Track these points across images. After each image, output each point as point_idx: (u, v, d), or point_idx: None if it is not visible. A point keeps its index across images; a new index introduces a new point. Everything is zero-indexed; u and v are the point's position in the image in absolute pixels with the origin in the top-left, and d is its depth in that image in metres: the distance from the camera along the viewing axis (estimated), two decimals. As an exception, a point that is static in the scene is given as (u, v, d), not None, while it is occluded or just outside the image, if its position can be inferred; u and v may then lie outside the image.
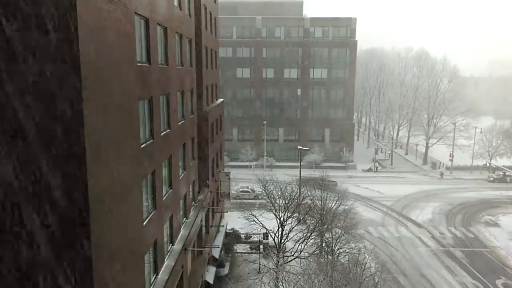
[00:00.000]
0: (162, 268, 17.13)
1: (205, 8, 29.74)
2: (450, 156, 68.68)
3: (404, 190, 57.07)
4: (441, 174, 64.90)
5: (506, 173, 62.06)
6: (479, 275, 33.97)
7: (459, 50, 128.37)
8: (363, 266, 23.86)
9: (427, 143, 73.49)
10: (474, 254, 38.23)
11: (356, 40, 69.95)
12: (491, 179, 62.58)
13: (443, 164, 69.01)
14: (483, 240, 41.29)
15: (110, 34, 11.03)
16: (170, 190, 18.65)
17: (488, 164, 67.26)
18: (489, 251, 38.90)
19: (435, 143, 72.75)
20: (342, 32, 70.21)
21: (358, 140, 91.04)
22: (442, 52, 79.96)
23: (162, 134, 17.19)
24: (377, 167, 69.40)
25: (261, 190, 35.78)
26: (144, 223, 14.59)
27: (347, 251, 29.24)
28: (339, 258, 28.65)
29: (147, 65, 14.96)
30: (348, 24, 69.76)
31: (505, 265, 36.10)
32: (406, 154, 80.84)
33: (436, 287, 32.31)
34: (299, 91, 71.29)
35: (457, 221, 46.48)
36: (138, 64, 13.87)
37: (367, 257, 27.59)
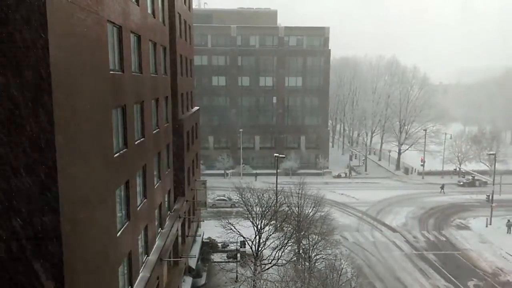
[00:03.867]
0: (137, 280, 16.76)
1: (180, 16, 29.67)
2: (421, 162, 70.50)
3: (378, 195, 58.11)
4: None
5: (475, 178, 64.11)
6: (451, 278, 34.81)
7: (429, 58, 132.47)
8: (339, 272, 24.11)
9: (399, 149, 75.23)
10: (447, 257, 39.19)
11: (330, 49, 71.25)
12: (461, 183, 64.53)
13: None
14: (455, 243, 42.41)
15: (81, 42, 10.85)
16: (145, 200, 18.34)
17: (458, 169, 69.36)
18: (461, 253, 39.96)
19: (407, 149, 74.56)
20: (316, 41, 71.42)
21: (333, 147, 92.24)
22: (412, 61, 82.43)
23: (136, 143, 16.93)
24: (351, 173, 70.50)
25: (238, 198, 35.64)
26: (118, 234, 14.28)
27: (324, 257, 29.45)
28: (316, 264, 28.84)
29: (120, 73, 14.76)
30: (322, 33, 71.02)
31: (476, 267, 37.15)
32: (380, 160, 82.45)
33: (410, 291, 32.92)
34: (274, 99, 71.82)
35: (430, 225, 47.61)
36: (111, 72, 13.66)
37: (344, 262, 27.89)
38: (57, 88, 9.19)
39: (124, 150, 15.04)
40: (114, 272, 13.86)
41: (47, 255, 9.42)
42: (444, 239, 43.52)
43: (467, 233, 45.14)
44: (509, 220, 44.28)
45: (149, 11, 19.86)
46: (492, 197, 48.43)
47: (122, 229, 14.73)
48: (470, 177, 64.88)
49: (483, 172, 64.61)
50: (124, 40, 14.97)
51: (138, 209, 17.05)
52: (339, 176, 68.95)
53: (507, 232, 44.06)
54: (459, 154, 68.50)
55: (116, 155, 14.11)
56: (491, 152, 57.56)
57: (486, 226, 46.37)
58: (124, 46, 14.97)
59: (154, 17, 20.95)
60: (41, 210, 9.29)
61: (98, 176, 12.23)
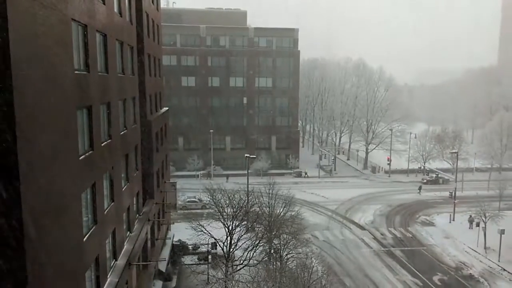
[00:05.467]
0: (105, 285, 16.36)
1: (147, 15, 29.21)
2: (388, 161, 72.44)
3: (347, 194, 59.23)
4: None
5: (439, 175, 66.49)
6: (417, 273, 35.93)
7: (394, 60, 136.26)
8: (310, 270, 24.36)
9: (367, 149, 76.99)
10: (413, 252, 40.44)
11: (299, 50, 72.03)
12: (425, 181, 66.71)
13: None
14: (420, 239, 43.81)
15: (45, 41, 10.51)
16: (112, 203, 17.93)
17: (422, 167, 71.71)
18: (426, 249, 41.33)
19: (374, 149, 76.41)
20: (285, 42, 72.06)
21: (303, 147, 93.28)
22: (378, 62, 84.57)
23: (103, 144, 16.54)
24: (331, 171, 72.51)
25: (208, 199, 35.40)
26: (85, 239, 13.90)
27: (295, 256, 29.69)
28: (288, 263, 29.03)
29: (85, 73, 14.38)
30: (291, 35, 71.74)
31: (441, 261, 38.52)
32: (348, 159, 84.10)
33: (378, 287, 33.71)
34: (245, 100, 71.89)
35: (396, 222, 48.98)
36: (76, 72, 13.30)
37: (314, 261, 28.24)
38: (18, 89, 8.85)
39: (90, 152, 14.66)
40: (81, 277, 13.48)
41: (9, 261, 9.04)
42: (410, 235, 44.87)
43: (431, 229, 46.71)
44: (470, 216, 46.12)
45: (116, 10, 19.47)
46: (455, 194, 50.37)
47: (88, 234, 14.35)
48: (434, 175, 67.24)
49: (446, 170, 67.14)
50: (90, 39, 14.61)
51: (105, 212, 16.65)
52: (299, 176, 69.43)
53: (469, 228, 45.88)
54: (423, 153, 70.86)
55: (81, 157, 13.74)
56: (454, 151, 59.85)
57: (450, 222, 48.17)
58: (90, 45, 14.61)
59: (121, 16, 20.55)
60: (1, 215, 8.90)
61: (62, 179, 11.86)
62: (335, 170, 74.70)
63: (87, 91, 14.54)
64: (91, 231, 14.64)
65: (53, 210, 11.09)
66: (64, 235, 12.01)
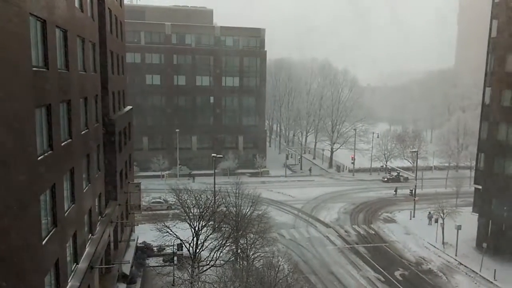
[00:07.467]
0: (66, 290, 15.80)
1: (110, 12, 28.46)
2: (352, 160, 74.16)
3: (313, 192, 60.16)
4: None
5: (400, 174, 68.73)
6: (380, 268, 36.99)
7: (358, 61, 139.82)
8: (277, 269, 24.52)
9: (332, 148, 78.51)
10: (375, 249, 41.60)
11: (266, 50, 72.38)
12: (385, 179, 68.77)
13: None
14: (382, 236, 45.14)
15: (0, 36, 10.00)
16: (73, 205, 17.34)
17: (384, 166, 73.92)
18: (388, 245, 42.63)
19: (339, 148, 78.03)
20: (252, 42, 72.21)
21: (270, 146, 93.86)
22: (343, 63, 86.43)
23: (63, 144, 15.96)
24: (310, 170, 73.33)
25: (174, 200, 34.88)
26: (44, 242, 13.37)
27: (261, 255, 29.80)
28: (254, 263, 29.10)
29: (44, 70, 13.83)
30: (258, 34, 71.98)
31: (402, 257, 39.84)
32: (314, 158, 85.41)
33: (343, 283, 34.45)
34: (211, 99, 71.44)
35: (360, 219, 50.23)
36: (34, 68, 12.75)
37: (281, 259, 28.47)
38: (-31, 85, 8.38)
39: (49, 152, 14.11)
40: (40, 282, 12.95)
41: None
42: (373, 232, 46.14)
43: (393, 225, 48.22)
44: (430, 212, 47.98)
45: (77, 5, 18.86)
46: (415, 191, 52.24)
47: (48, 237, 13.82)
48: (395, 173, 69.42)
49: (406, 169, 69.47)
50: (49, 35, 14.06)
51: (65, 214, 16.09)
52: (252, 176, 69.18)
53: (429, 224, 47.70)
54: (385, 152, 73.05)
55: (40, 157, 13.20)
56: (414, 150, 62.02)
57: (410, 219, 49.90)
58: (49, 41, 14.06)
59: (82, 12, 19.92)
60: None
61: (19, 181, 11.34)
62: (301, 169, 75.58)
63: (46, 88, 13.99)
64: (50, 234, 14.10)
65: (9, 212, 10.59)
66: (22, 238, 11.50)
